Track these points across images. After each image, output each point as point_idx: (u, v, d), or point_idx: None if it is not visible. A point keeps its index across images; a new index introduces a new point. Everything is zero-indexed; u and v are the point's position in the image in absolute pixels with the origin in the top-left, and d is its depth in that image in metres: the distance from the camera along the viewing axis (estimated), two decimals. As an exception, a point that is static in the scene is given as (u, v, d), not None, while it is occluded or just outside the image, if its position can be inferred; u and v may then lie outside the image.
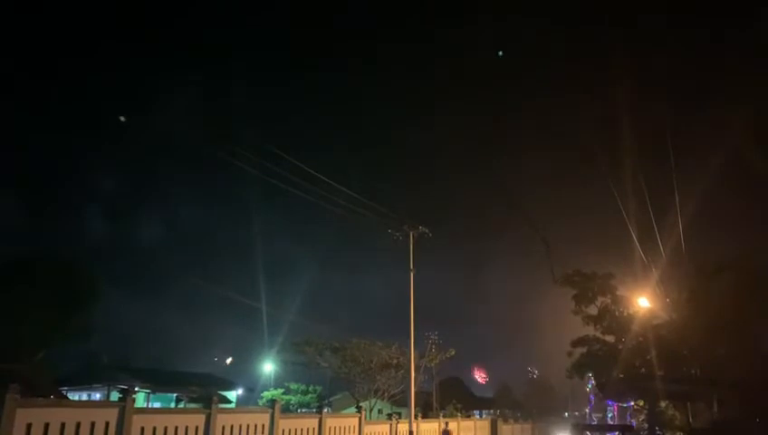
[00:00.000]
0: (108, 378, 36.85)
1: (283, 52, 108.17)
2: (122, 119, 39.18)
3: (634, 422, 24.74)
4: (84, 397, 37.16)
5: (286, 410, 30.54)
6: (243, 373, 53.12)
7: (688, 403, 18.83)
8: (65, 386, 35.07)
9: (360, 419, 26.54)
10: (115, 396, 26.99)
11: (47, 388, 24.97)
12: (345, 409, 37.65)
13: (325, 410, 27.98)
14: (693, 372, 21.74)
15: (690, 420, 18.49)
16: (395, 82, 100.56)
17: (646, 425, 20.20)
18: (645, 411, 21.92)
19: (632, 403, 25.79)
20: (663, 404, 20.53)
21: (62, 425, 14.45)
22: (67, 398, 31.05)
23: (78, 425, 14.83)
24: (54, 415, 14.49)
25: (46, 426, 14.09)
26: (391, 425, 29.19)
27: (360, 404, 32.00)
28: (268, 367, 45.64)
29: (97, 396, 37.20)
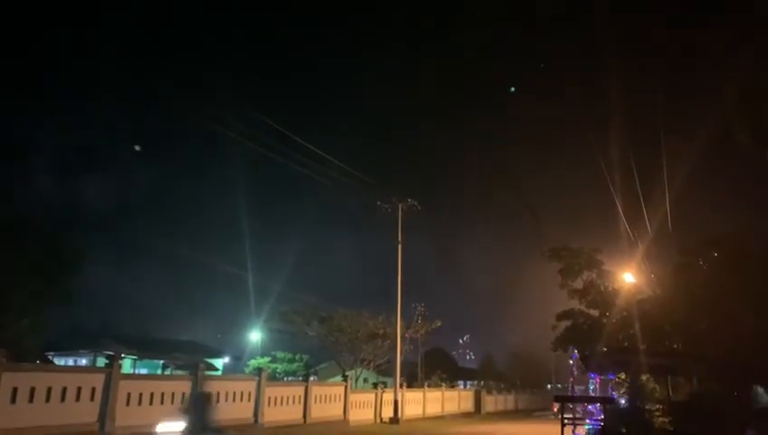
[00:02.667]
0: (94, 344, 36.87)
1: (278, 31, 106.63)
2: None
3: (615, 395, 25.11)
4: (70, 362, 37.24)
5: (273, 378, 30.80)
6: (230, 341, 53.42)
7: (669, 377, 19.12)
8: (51, 352, 35.06)
9: (345, 387, 26.85)
10: (101, 362, 27.03)
11: (33, 353, 24.96)
12: (331, 377, 38.02)
13: (311, 378, 28.26)
14: (675, 346, 22.06)
15: (670, 393, 18.79)
16: (385, 59, 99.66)
17: (627, 397, 20.53)
18: (626, 384, 22.26)
19: (614, 376, 26.18)
20: (644, 377, 20.84)
21: (49, 389, 14.51)
22: (53, 363, 31.12)
23: (64, 390, 14.89)
24: (40, 380, 14.52)
25: (32, 390, 14.13)
26: (376, 394, 29.56)
27: (346, 373, 32.32)
28: (255, 336, 45.88)
29: (83, 362, 37.30)
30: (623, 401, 21.07)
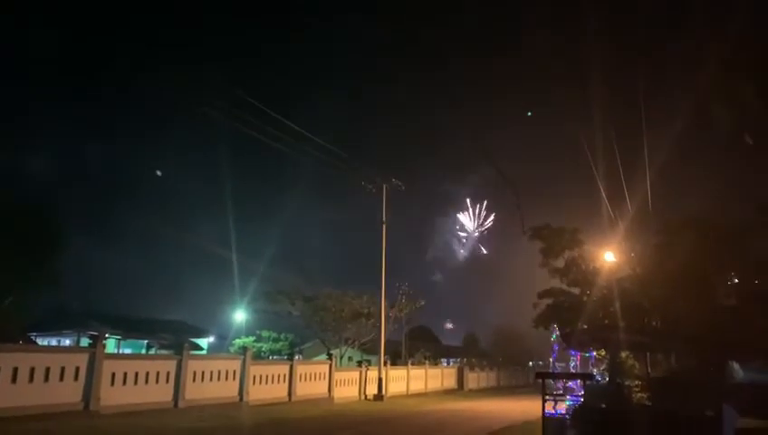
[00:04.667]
0: (78, 324, 36.72)
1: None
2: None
3: (595, 371, 25.58)
4: (54, 343, 37.11)
5: (258, 357, 30.95)
6: (214, 321, 53.29)
7: (648, 354, 19.50)
8: (34, 332, 34.89)
9: (330, 366, 27.09)
10: (85, 342, 26.98)
11: (16, 334, 24.87)
12: (316, 356, 38.28)
13: (296, 357, 28.46)
14: (654, 323, 22.45)
15: (649, 369, 19.18)
16: (364, 29, 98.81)
17: (607, 374, 20.93)
18: (606, 361, 22.69)
19: (594, 353, 26.63)
20: (624, 354, 21.22)
21: (32, 369, 14.50)
22: (36, 343, 31.00)
23: (48, 370, 14.90)
24: (23, 360, 14.51)
25: (15, 370, 14.12)
26: (361, 372, 29.87)
27: (331, 352, 32.58)
28: (240, 316, 45.91)
29: (67, 342, 37.17)
30: (603, 378, 21.47)
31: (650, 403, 16.29)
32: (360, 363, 31.37)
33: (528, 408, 23.34)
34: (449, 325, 71.99)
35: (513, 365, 59.77)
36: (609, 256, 25.16)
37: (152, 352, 36.87)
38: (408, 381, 34.75)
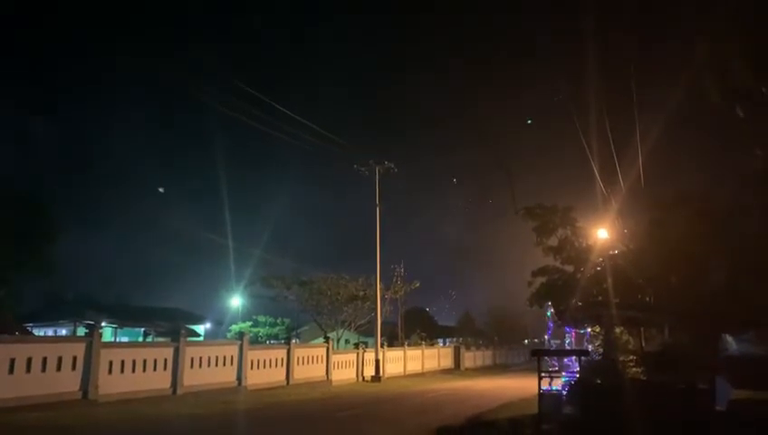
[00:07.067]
0: (73, 314, 36.68)
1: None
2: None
3: (590, 347, 25.81)
4: (50, 333, 37.04)
5: (255, 342, 31.06)
6: (210, 307, 53.34)
7: (641, 329, 19.66)
8: (30, 323, 34.83)
9: (327, 349, 27.23)
10: (82, 332, 26.99)
11: (11, 324, 24.84)
12: (313, 339, 38.45)
13: (293, 341, 28.59)
14: (647, 299, 22.59)
15: (643, 344, 19.37)
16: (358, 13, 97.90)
17: (601, 350, 21.13)
18: (601, 337, 22.87)
19: (589, 330, 26.81)
20: (618, 330, 21.37)
21: (29, 360, 14.52)
22: (32, 334, 30.99)
23: (44, 360, 14.92)
24: (20, 350, 14.52)
25: (12, 361, 14.12)
26: (358, 354, 30.05)
27: (328, 335, 32.74)
28: (235, 301, 45.97)
29: (63, 332, 37.13)
30: (597, 354, 21.66)
31: (645, 378, 16.46)
32: (356, 345, 31.55)
33: (524, 385, 23.59)
34: (452, 296, 72.72)
35: (509, 344, 60.19)
36: (602, 233, 25.25)
37: (149, 339, 36.93)
38: (405, 362, 34.98)
